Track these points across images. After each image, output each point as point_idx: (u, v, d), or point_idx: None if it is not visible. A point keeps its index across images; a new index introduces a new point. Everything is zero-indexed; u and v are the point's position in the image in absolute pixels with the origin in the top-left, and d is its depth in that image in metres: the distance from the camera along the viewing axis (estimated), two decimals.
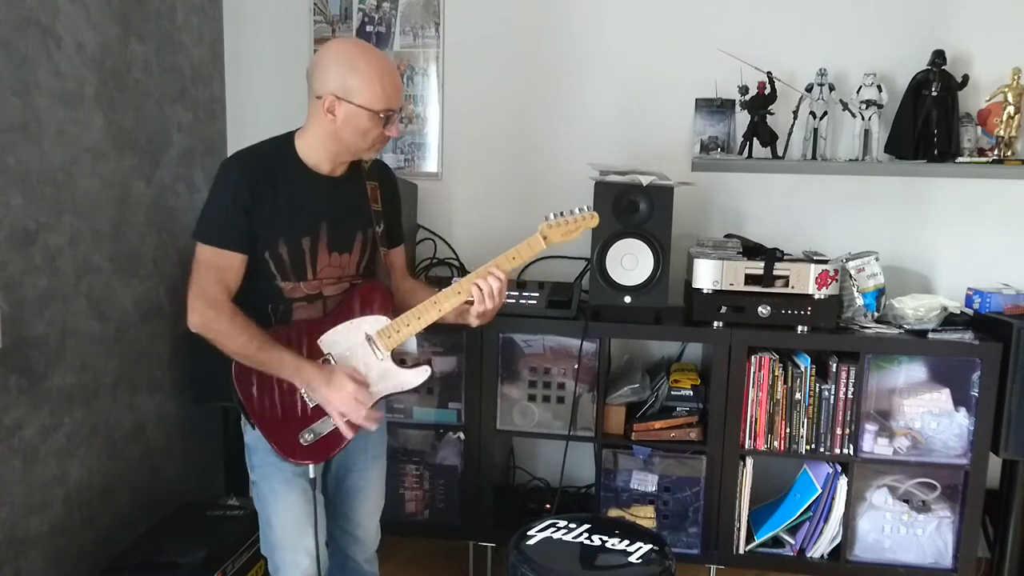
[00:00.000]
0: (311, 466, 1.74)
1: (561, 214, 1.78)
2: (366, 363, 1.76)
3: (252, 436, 1.76)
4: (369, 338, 1.76)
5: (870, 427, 2.38)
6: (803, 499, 2.40)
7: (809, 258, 2.41)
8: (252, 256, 1.67)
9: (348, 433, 1.72)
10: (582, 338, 2.40)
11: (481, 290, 1.72)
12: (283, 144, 1.72)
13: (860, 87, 2.52)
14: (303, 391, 1.72)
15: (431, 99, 2.85)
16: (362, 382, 1.70)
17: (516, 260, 1.76)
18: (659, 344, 2.82)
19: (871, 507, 2.42)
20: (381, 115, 1.64)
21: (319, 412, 1.73)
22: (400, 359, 1.83)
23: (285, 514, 1.77)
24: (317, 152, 1.71)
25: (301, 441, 1.72)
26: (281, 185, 1.67)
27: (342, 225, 1.75)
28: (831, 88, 2.55)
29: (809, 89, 2.56)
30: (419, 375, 1.80)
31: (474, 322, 1.78)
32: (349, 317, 1.76)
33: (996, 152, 2.48)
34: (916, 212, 2.66)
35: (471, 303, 1.76)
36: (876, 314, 2.45)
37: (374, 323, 1.77)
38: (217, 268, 1.64)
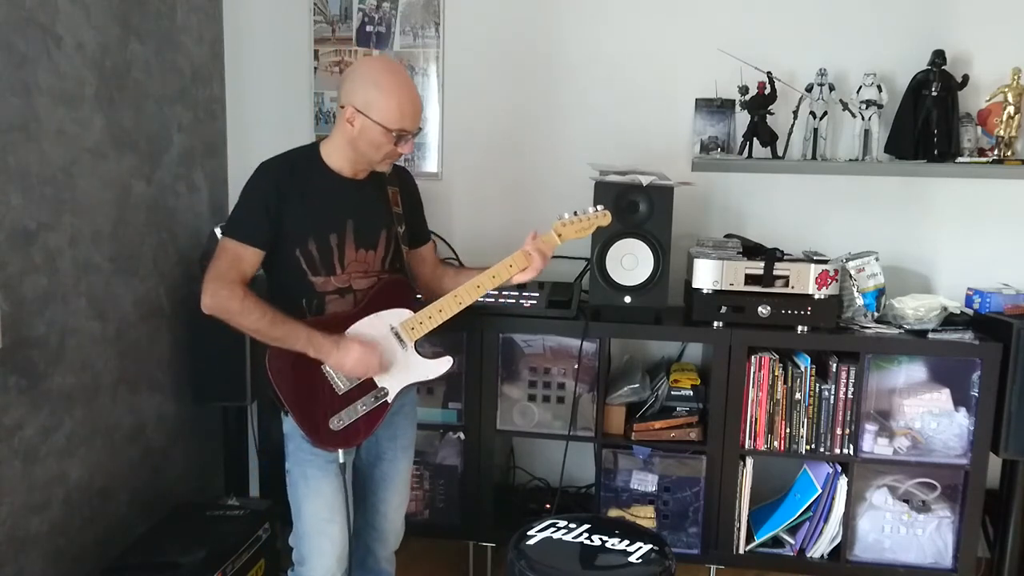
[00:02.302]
0: (340, 452, 1.83)
1: (575, 213, 1.91)
2: (391, 353, 1.86)
3: (288, 424, 1.86)
4: (393, 329, 1.86)
5: (870, 427, 2.38)
6: (803, 499, 2.40)
7: (809, 258, 2.41)
8: (285, 254, 1.80)
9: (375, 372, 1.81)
10: (582, 338, 2.40)
11: (531, 260, 1.86)
12: (309, 150, 1.87)
13: (860, 87, 2.52)
14: (330, 374, 1.80)
15: (431, 99, 2.84)
16: (370, 347, 1.78)
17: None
18: (659, 344, 2.82)
19: (871, 507, 2.42)
20: (393, 133, 1.76)
21: (348, 399, 1.82)
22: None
23: (316, 500, 1.85)
24: (339, 157, 1.84)
25: (331, 427, 1.80)
26: (308, 186, 1.81)
27: (366, 223, 1.87)
28: (831, 88, 2.55)
29: (809, 89, 2.56)
30: (442, 365, 1.91)
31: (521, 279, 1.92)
32: (375, 310, 1.85)
33: (996, 152, 2.48)
34: (916, 212, 2.66)
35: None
36: (876, 314, 2.45)
37: (398, 315, 1.87)
38: (234, 256, 1.76)
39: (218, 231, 2.46)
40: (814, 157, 2.57)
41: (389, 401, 1.87)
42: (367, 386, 1.84)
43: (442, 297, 1.89)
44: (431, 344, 2.46)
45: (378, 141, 1.77)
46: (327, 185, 1.83)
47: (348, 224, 1.83)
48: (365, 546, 2.05)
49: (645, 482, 2.49)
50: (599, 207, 1.93)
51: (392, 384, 1.87)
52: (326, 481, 1.84)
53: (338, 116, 1.82)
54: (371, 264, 1.88)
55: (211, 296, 1.73)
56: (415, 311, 1.88)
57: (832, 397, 2.36)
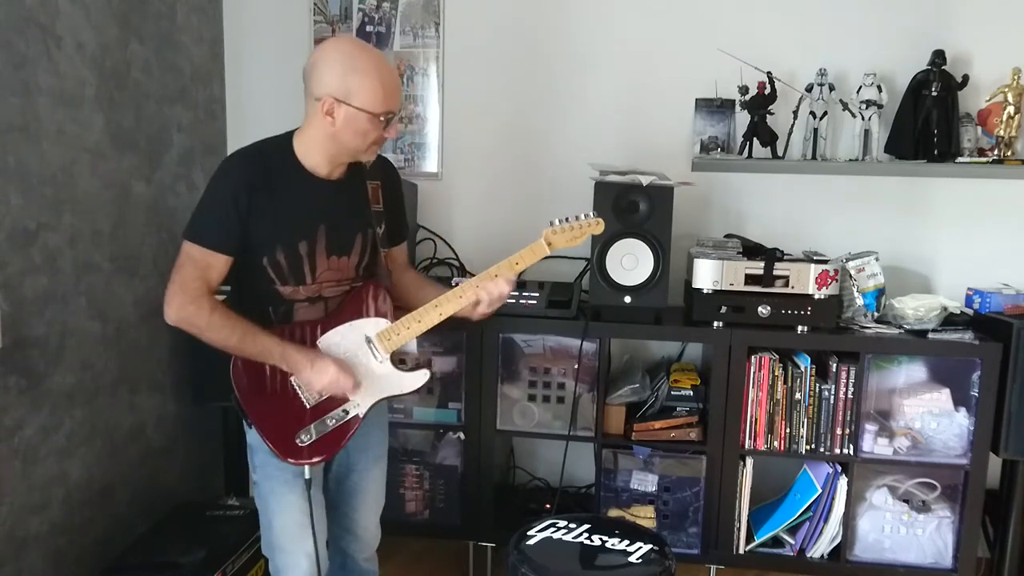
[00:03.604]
0: (307, 467, 1.73)
1: (566, 219, 1.77)
2: (366, 365, 1.76)
3: (253, 436, 1.75)
4: (369, 340, 1.76)
5: (870, 427, 2.37)
6: (803, 499, 2.40)
7: (809, 258, 2.41)
8: (250, 262, 1.68)
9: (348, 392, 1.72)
10: (582, 338, 2.40)
11: (481, 300, 1.74)
12: (282, 145, 1.71)
13: (860, 87, 2.52)
14: (299, 386, 1.71)
15: (431, 99, 2.85)
16: (346, 368, 1.70)
17: (519, 266, 1.76)
18: (659, 344, 2.82)
19: (871, 507, 2.42)
20: (381, 117, 1.63)
21: (316, 413, 1.72)
22: (400, 360, 1.82)
23: (286, 515, 1.77)
24: (315, 154, 1.69)
25: (298, 442, 1.70)
26: (279, 190, 1.66)
27: (341, 228, 1.75)
28: (831, 88, 2.55)
29: (809, 89, 2.56)
30: (418, 379, 1.80)
31: (474, 316, 1.80)
32: (349, 319, 1.75)
33: (996, 152, 2.48)
34: (916, 212, 2.66)
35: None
36: (876, 314, 2.45)
37: (374, 325, 1.76)
38: (201, 265, 1.64)
39: None
40: (814, 157, 2.56)
41: (360, 416, 1.76)
42: (337, 400, 1.73)
43: (423, 307, 1.76)
44: (430, 343, 2.47)
45: (364, 129, 1.62)
46: (299, 187, 1.68)
47: (320, 230, 1.70)
48: (342, 551, 2.00)
49: (645, 482, 2.49)
50: (591, 214, 1.80)
51: (364, 399, 1.76)
52: (295, 496, 1.75)
53: (311, 111, 1.65)
54: (345, 271, 1.76)
55: (175, 310, 1.62)
56: (393, 319, 1.77)
57: (832, 397, 2.36)
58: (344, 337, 1.74)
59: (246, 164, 1.67)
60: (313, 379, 1.67)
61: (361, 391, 1.75)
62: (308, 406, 1.72)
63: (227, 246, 1.64)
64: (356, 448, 1.87)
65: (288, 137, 1.72)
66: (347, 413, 1.74)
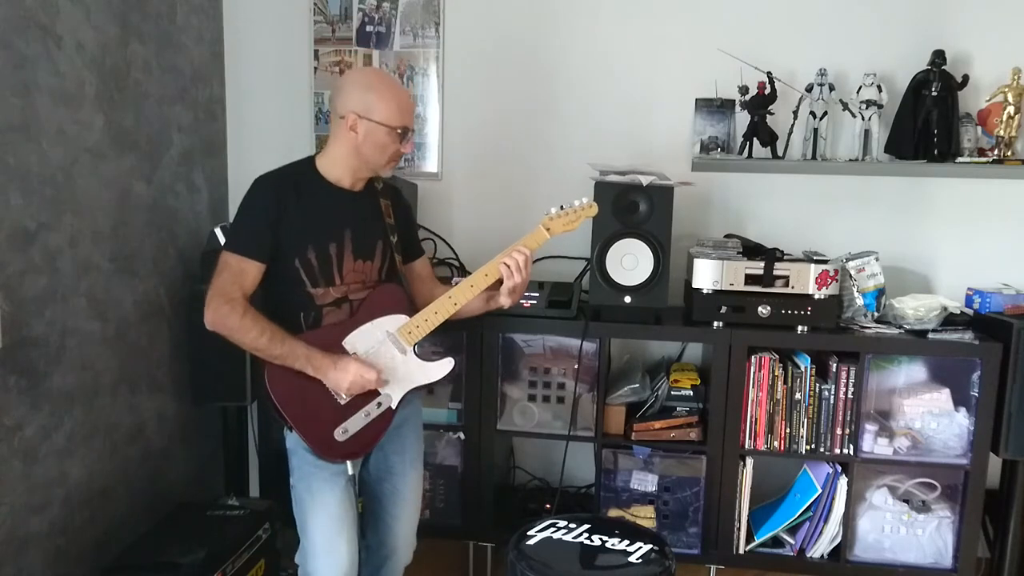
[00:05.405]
0: (348, 463, 1.82)
1: (562, 207, 1.93)
2: (391, 359, 1.87)
3: (291, 439, 1.85)
4: (390, 335, 1.87)
5: (870, 427, 2.38)
6: (803, 499, 2.40)
7: (809, 258, 2.41)
8: (284, 265, 1.81)
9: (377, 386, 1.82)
10: (582, 338, 2.40)
11: (509, 266, 1.86)
12: (305, 165, 1.89)
13: (860, 87, 2.52)
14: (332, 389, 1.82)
15: (431, 99, 2.85)
16: (367, 365, 1.80)
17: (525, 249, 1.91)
18: (659, 344, 2.82)
19: (871, 507, 2.42)
20: (398, 131, 1.81)
21: (351, 408, 1.82)
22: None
23: (322, 513, 1.83)
24: (339, 169, 1.86)
25: (336, 438, 1.80)
26: (307, 197, 1.83)
27: (364, 234, 1.88)
28: (831, 88, 2.55)
29: (809, 89, 2.56)
30: (443, 367, 1.92)
31: (506, 301, 1.93)
32: (370, 318, 1.86)
33: (996, 152, 2.48)
34: (916, 212, 2.66)
35: (492, 290, 1.92)
36: (876, 314, 2.45)
37: (394, 321, 1.88)
38: (236, 271, 1.77)
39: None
40: (814, 157, 2.56)
41: (393, 407, 1.87)
42: (370, 394, 1.84)
43: (438, 299, 1.90)
44: (431, 345, 2.46)
45: (383, 142, 1.81)
46: (325, 196, 1.85)
47: (346, 234, 1.85)
48: (375, 565, 2.04)
49: (645, 482, 2.49)
50: (585, 199, 1.95)
51: (394, 391, 1.87)
52: (332, 494, 1.82)
53: (336, 128, 1.84)
54: (368, 274, 1.89)
55: (213, 312, 1.74)
56: (411, 315, 1.89)
57: (832, 397, 2.36)
58: (368, 335, 1.85)
59: (274, 179, 1.84)
60: (339, 379, 1.77)
61: (391, 384, 1.86)
62: (342, 403, 1.81)
63: (260, 253, 1.78)
64: (393, 450, 1.96)
65: (310, 159, 1.90)
66: (380, 406, 1.85)
